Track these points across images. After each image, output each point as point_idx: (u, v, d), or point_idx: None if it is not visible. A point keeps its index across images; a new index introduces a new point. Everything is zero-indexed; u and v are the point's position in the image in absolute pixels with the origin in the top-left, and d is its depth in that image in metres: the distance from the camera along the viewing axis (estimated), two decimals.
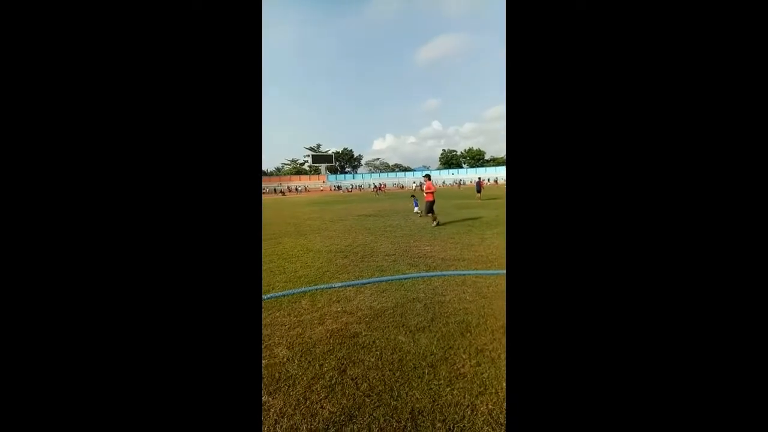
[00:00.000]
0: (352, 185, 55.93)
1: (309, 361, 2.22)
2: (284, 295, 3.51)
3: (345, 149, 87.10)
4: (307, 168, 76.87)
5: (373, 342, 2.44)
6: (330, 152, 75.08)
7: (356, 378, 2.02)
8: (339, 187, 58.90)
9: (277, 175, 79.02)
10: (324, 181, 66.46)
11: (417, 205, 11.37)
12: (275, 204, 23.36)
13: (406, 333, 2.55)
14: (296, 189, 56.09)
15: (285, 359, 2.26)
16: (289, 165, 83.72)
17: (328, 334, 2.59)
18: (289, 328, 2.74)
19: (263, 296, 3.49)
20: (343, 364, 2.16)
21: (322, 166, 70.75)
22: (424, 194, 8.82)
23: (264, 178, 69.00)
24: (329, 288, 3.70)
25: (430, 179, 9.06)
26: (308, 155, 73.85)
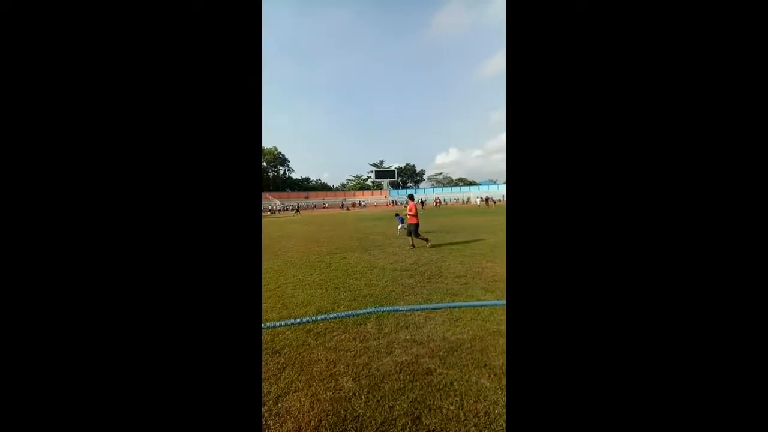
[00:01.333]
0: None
1: (377, 400, 1.95)
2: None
3: (407, 164, 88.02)
4: (370, 183, 79.29)
5: (451, 384, 2.09)
6: (392, 168, 76.53)
7: (433, 431, 1.68)
8: (395, 202, 59.28)
9: (342, 190, 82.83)
10: (386, 196, 67.66)
11: (402, 223, 10.68)
12: (340, 218, 24.21)
13: (490, 376, 2.15)
14: (359, 204, 57.93)
15: (351, 394, 2.02)
16: (353, 181, 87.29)
17: (397, 368, 2.30)
18: (354, 355, 2.53)
19: (329, 315, 3.36)
20: (417, 409, 1.85)
21: (385, 182, 72.30)
22: (407, 216, 8.06)
23: (329, 193, 72.86)
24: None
25: (412, 200, 8.22)
26: (371, 171, 76.24)
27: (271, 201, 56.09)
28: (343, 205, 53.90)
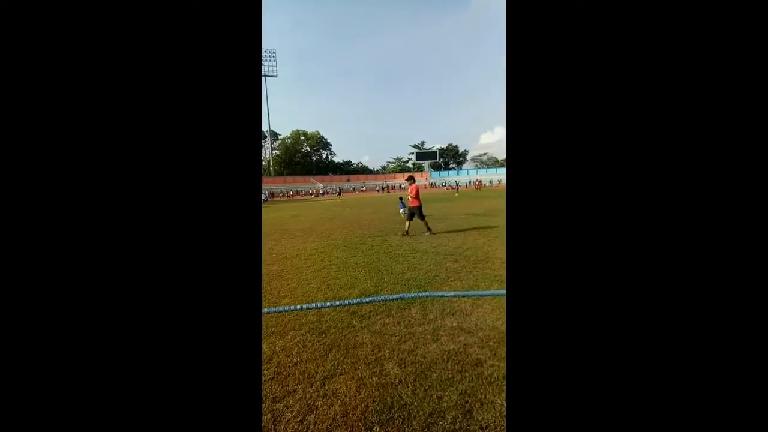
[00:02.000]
0: (445, 182, 53.82)
1: (425, 390, 1.88)
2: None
3: (450, 145, 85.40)
4: (411, 165, 78.35)
5: (503, 377, 1.95)
6: (434, 148, 74.73)
7: (487, 427, 1.58)
8: (433, 185, 57.93)
9: (382, 173, 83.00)
10: (427, 178, 66.57)
11: (403, 207, 10.26)
12: (381, 201, 24.31)
13: None
14: (400, 186, 57.66)
15: (397, 380, 1.98)
16: (394, 163, 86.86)
17: (444, 357, 2.21)
18: (399, 340, 2.47)
19: (376, 297, 3.35)
20: (467, 402, 1.75)
21: (426, 163, 70.99)
22: (409, 199, 7.58)
23: (369, 176, 73.29)
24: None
25: (413, 182, 7.77)
26: (412, 153, 75.14)
27: (314, 184, 57.96)
28: (382, 188, 54.01)
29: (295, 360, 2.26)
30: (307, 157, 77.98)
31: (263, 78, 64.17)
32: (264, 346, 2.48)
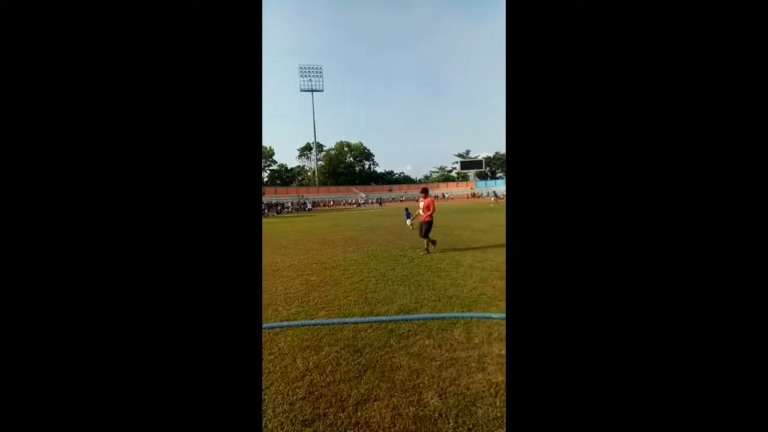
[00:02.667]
0: (488, 192, 51.65)
1: (469, 429, 1.65)
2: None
3: (497, 153, 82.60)
4: (455, 175, 76.91)
5: None
6: (480, 157, 72.72)
7: None
8: (476, 195, 55.87)
9: (425, 182, 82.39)
10: (472, 188, 64.78)
11: (409, 217, 10.00)
12: None
13: None
14: (443, 196, 56.71)
15: (437, 414, 1.77)
16: (437, 172, 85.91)
17: (492, 390, 1.95)
18: (440, 365, 2.26)
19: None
20: None
21: (471, 173, 69.22)
22: (420, 213, 6.70)
23: (412, 185, 73.10)
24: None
25: (426, 195, 6.83)
26: (456, 162, 73.79)
27: (356, 194, 59.18)
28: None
29: (328, 380, 2.15)
30: (351, 168, 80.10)
31: (311, 93, 67.61)
32: (298, 361, 2.40)
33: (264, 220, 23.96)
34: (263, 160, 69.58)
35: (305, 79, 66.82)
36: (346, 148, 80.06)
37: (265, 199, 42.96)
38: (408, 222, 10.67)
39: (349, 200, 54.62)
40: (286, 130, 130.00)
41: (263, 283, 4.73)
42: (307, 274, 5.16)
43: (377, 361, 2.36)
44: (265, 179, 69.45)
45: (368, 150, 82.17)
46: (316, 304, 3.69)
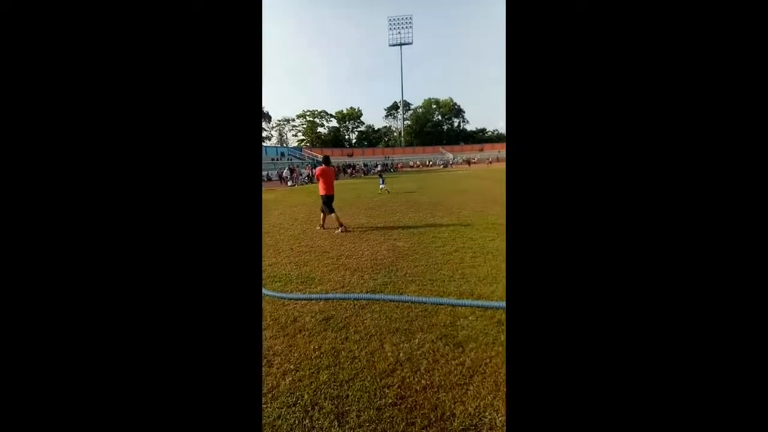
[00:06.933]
0: None
1: None
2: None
3: None
4: None
5: None
6: None
7: None
8: None
9: None
10: None
11: (383, 183, 11.77)
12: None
13: None
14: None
15: None
16: None
17: None
18: None
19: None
20: None
21: None
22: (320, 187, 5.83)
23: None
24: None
25: (328, 164, 5.96)
26: None
27: (444, 154, 56.92)
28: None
29: (423, 382, 1.71)
30: (438, 126, 76.59)
31: (399, 47, 64.91)
32: (387, 346, 2.03)
33: (344, 180, 24.83)
34: (352, 121, 71.48)
35: (394, 32, 64.12)
36: (434, 105, 76.34)
37: (349, 160, 44.20)
38: (381, 188, 11.33)
39: (440, 161, 52.64)
40: (374, 90, 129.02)
41: (351, 246, 4.55)
42: (394, 239, 4.81)
43: (485, 361, 1.83)
44: (354, 140, 71.74)
45: (458, 106, 76.90)
46: (405, 275, 3.29)
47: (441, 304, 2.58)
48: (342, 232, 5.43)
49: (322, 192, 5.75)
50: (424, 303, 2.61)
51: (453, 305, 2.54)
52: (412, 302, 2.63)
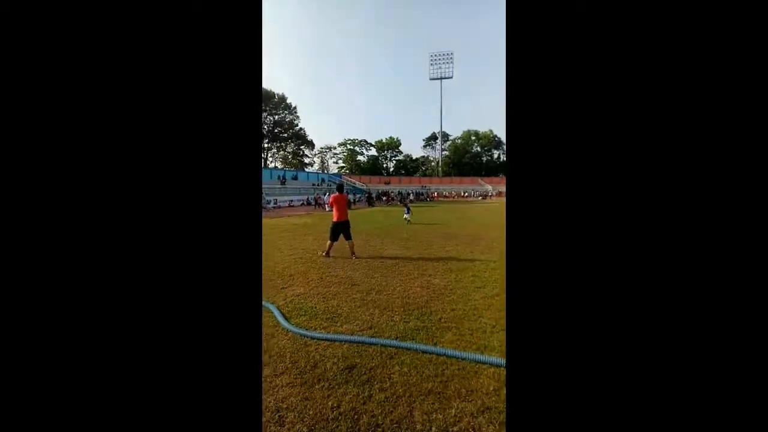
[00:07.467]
0: None
1: None
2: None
3: None
4: None
5: None
6: None
7: None
8: None
9: None
10: None
11: (408, 213, 11.80)
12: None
13: None
14: None
15: None
16: None
17: None
18: None
19: None
20: None
21: None
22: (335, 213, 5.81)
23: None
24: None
25: (341, 191, 6.07)
26: None
27: (482, 186, 55.92)
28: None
29: None
30: (477, 158, 75.84)
31: (439, 81, 66.57)
32: (416, 414, 1.70)
33: (379, 207, 24.88)
34: (391, 150, 73.11)
35: (435, 66, 66.11)
36: (473, 137, 76.17)
37: (386, 188, 44.69)
38: (405, 217, 11.50)
39: (479, 192, 51.66)
40: (413, 121, 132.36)
41: (381, 279, 4.28)
42: (429, 275, 4.47)
43: None
44: (392, 169, 72.93)
45: (498, 138, 76.09)
46: (440, 320, 2.94)
47: (483, 363, 2.19)
48: (324, 255, 5.67)
49: (334, 219, 5.75)
50: (464, 359, 2.24)
51: (498, 366, 2.15)
52: (447, 356, 2.28)
